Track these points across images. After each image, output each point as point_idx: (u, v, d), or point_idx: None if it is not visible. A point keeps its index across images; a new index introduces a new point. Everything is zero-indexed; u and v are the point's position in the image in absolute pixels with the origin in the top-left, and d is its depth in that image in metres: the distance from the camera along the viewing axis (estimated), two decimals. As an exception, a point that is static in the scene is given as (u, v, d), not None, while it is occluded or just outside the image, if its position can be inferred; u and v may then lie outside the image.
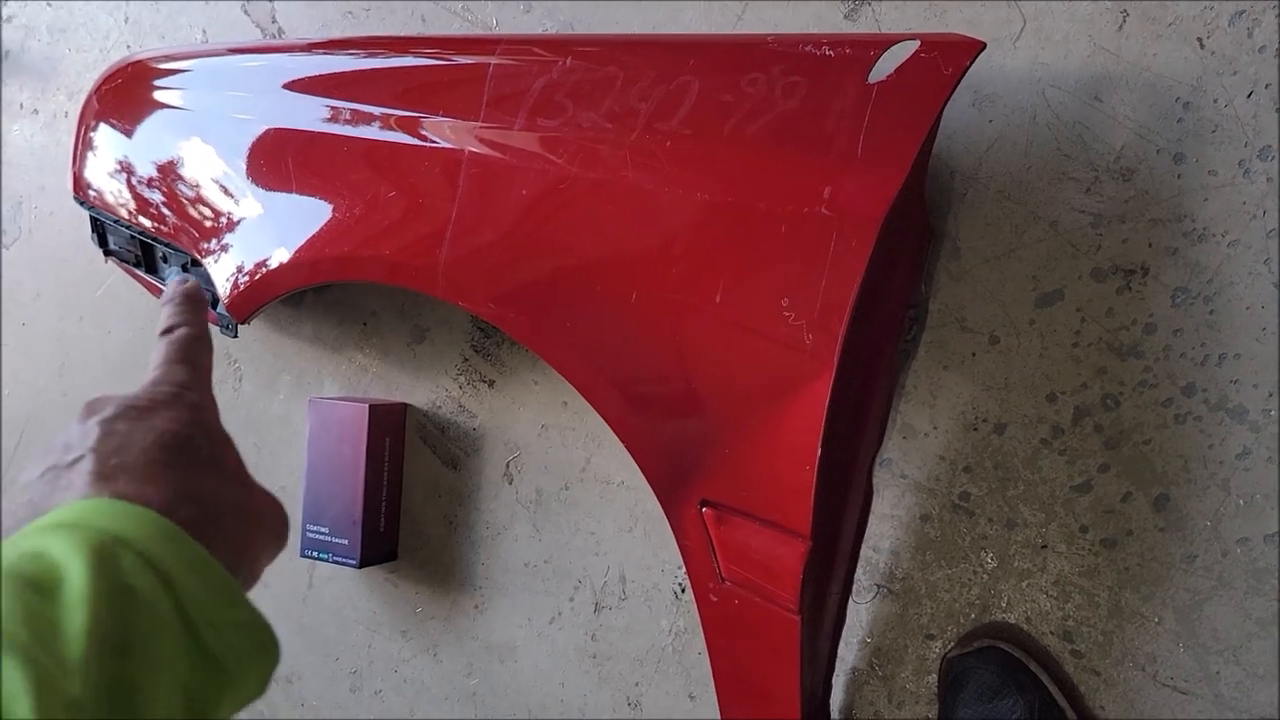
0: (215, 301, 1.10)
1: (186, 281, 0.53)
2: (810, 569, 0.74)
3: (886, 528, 0.83)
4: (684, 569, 0.92)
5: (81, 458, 0.40)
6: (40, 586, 0.32)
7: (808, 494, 0.72)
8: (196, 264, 1.09)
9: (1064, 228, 0.76)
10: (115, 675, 0.32)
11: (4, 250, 1.40)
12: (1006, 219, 0.78)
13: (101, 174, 1.16)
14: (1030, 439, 0.77)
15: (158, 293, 1.17)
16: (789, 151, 0.75)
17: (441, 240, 0.87)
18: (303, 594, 1.14)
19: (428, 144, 0.89)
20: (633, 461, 0.94)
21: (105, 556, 0.34)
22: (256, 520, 0.44)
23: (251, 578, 0.44)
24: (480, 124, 0.87)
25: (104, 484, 0.38)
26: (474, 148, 0.87)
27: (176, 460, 0.41)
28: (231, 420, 1.19)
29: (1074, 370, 0.76)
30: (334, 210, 0.95)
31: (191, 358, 0.48)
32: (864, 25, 0.85)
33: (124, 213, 1.13)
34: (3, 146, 1.41)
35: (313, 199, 0.96)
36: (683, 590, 0.92)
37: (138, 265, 1.17)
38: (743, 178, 0.76)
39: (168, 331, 0.49)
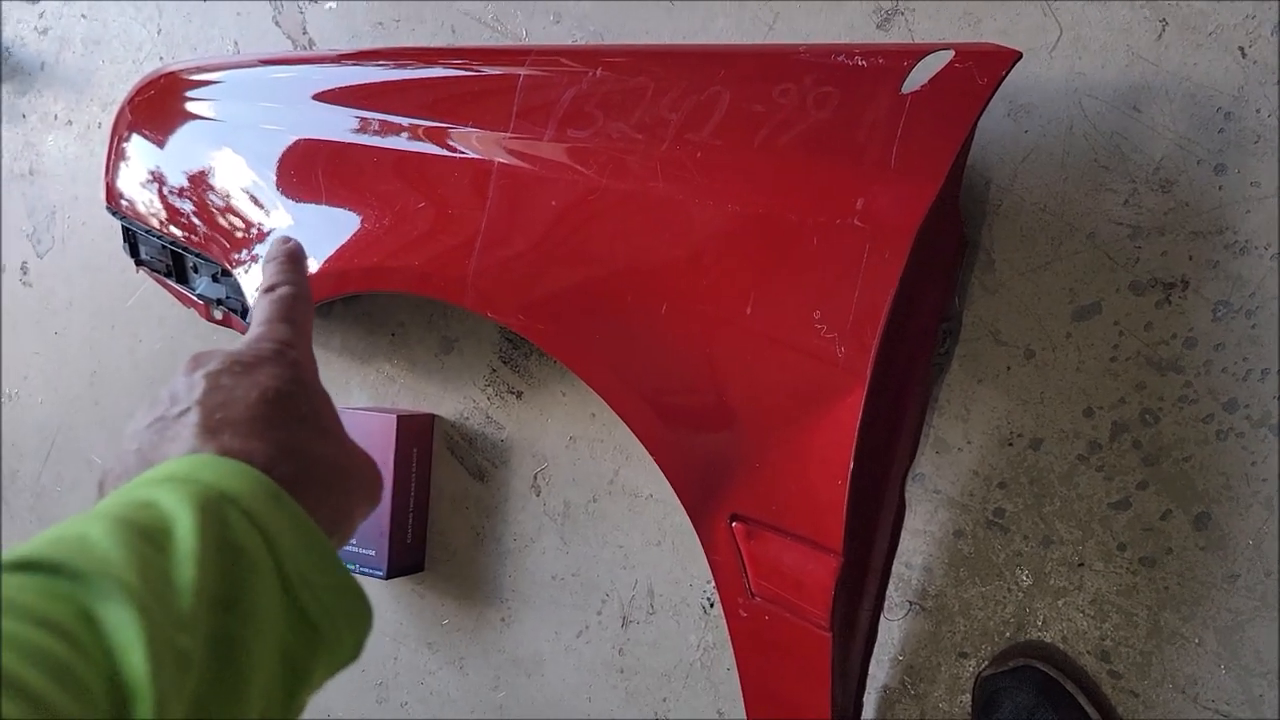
0: (245, 312, 1.10)
1: (288, 240, 0.53)
2: (842, 585, 0.73)
3: (919, 543, 0.82)
4: (713, 583, 0.91)
5: (188, 410, 0.40)
6: (152, 537, 0.33)
7: (840, 509, 0.71)
8: (227, 274, 1.10)
9: (1102, 240, 0.75)
10: (220, 631, 0.32)
11: (39, 259, 1.42)
12: (1043, 231, 0.77)
13: (134, 184, 1.17)
14: (1067, 455, 0.76)
15: (189, 303, 1.17)
16: (821, 162, 0.74)
17: (471, 251, 0.87)
18: (329, 604, 1.14)
19: (457, 155, 0.89)
20: (661, 474, 0.94)
21: (213, 512, 0.34)
22: (353, 479, 0.44)
23: (345, 537, 0.44)
24: (510, 135, 0.87)
25: (210, 437, 0.39)
26: (503, 158, 0.86)
27: (278, 416, 0.41)
28: (260, 429, 1.20)
29: (1112, 385, 0.74)
30: (363, 221, 0.95)
31: (293, 315, 0.48)
32: (896, 34, 0.84)
33: (155, 223, 1.14)
34: (37, 155, 1.43)
35: (342, 209, 0.96)
36: (711, 605, 0.91)
37: (169, 275, 1.18)
38: (774, 189, 0.75)
39: (270, 289, 0.49)
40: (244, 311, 1.10)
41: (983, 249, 0.79)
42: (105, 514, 0.33)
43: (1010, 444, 0.78)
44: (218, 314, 1.15)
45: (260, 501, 0.36)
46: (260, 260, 1.03)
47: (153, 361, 1.30)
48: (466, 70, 0.94)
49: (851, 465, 0.71)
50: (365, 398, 1.12)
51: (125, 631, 0.29)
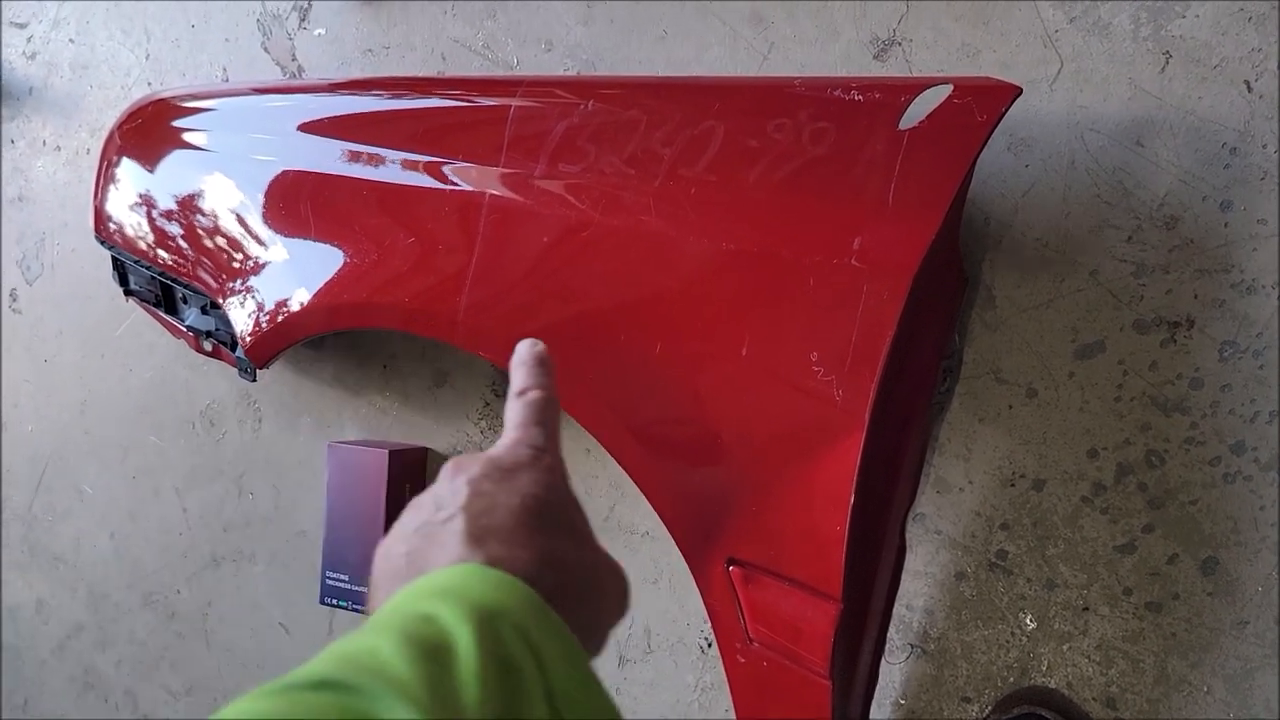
0: (234, 344, 1.09)
1: (537, 345, 0.53)
2: (841, 632, 0.72)
3: (920, 585, 0.80)
4: (709, 622, 0.90)
5: (453, 516, 0.41)
6: (436, 655, 0.34)
7: (839, 554, 0.70)
8: (216, 306, 1.08)
9: (1105, 277, 0.73)
10: None
11: (29, 286, 1.40)
12: (1044, 267, 0.75)
13: (122, 212, 1.16)
14: (1070, 496, 0.74)
15: (178, 334, 1.16)
16: (817, 200, 0.72)
17: (461, 287, 0.85)
18: (324, 640, 1.12)
19: (447, 188, 0.88)
20: (654, 512, 0.92)
21: (489, 628, 0.35)
22: (607, 588, 0.45)
23: (597, 649, 0.44)
24: (501, 168, 0.85)
25: (476, 546, 0.40)
26: (494, 192, 0.85)
27: (538, 525, 0.42)
28: (251, 461, 1.18)
29: (1116, 425, 0.73)
30: (352, 255, 0.94)
31: (546, 419, 0.48)
32: (894, 66, 0.82)
33: (144, 252, 1.13)
34: (26, 181, 1.41)
35: (330, 244, 0.95)
36: (709, 645, 0.90)
37: (158, 305, 1.16)
38: (769, 227, 0.74)
39: (522, 393, 0.49)
40: (233, 344, 1.09)
41: (983, 286, 0.78)
42: (390, 628, 0.35)
43: (1013, 484, 0.76)
44: (207, 346, 1.13)
45: (529, 616, 0.37)
46: (237, 297, 1.02)
47: (143, 390, 1.28)
48: (456, 101, 0.92)
49: (851, 509, 0.69)
50: (357, 430, 1.10)
51: None
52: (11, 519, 1.42)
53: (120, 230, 1.16)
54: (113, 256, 1.19)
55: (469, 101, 0.91)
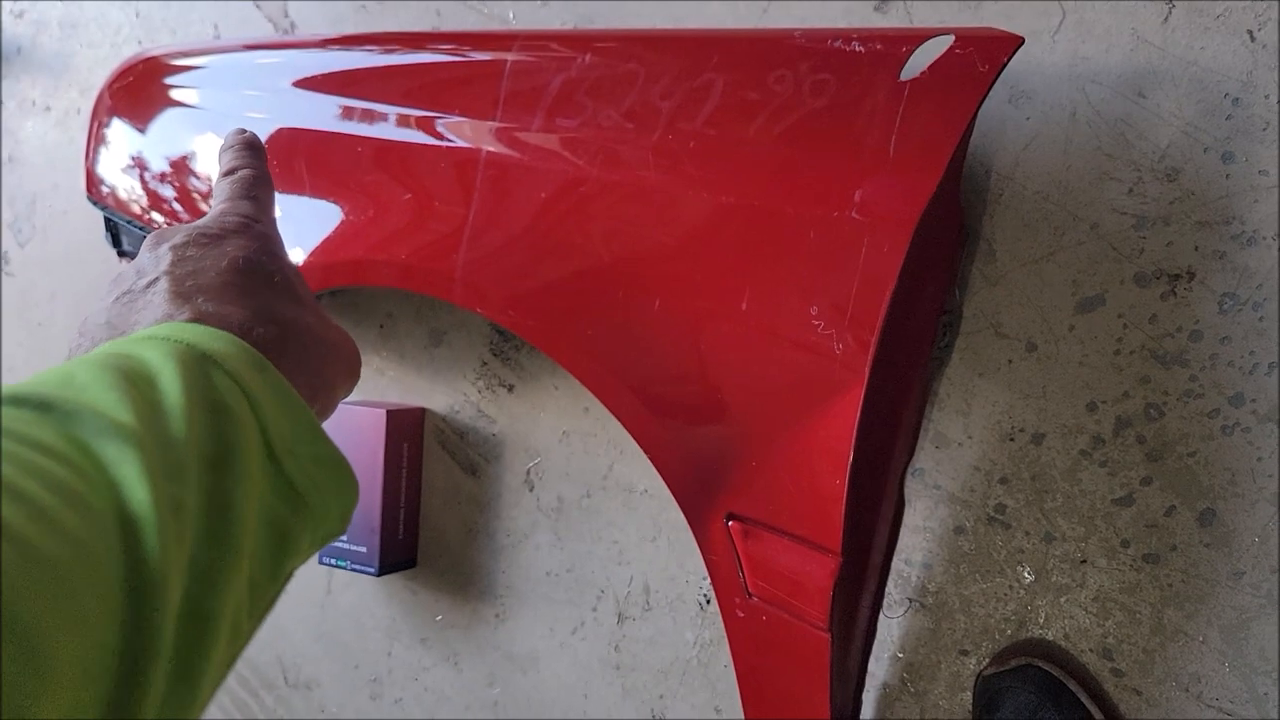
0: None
1: (244, 131, 0.52)
2: (840, 585, 0.72)
3: (919, 540, 0.80)
4: (707, 579, 0.90)
5: (156, 279, 0.39)
6: (139, 385, 0.31)
7: (838, 508, 0.70)
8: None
9: (1105, 230, 0.73)
10: (212, 488, 0.31)
11: (20, 249, 1.39)
12: (1045, 221, 0.75)
13: (115, 173, 1.15)
14: (1069, 450, 0.74)
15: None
16: (817, 152, 0.72)
17: (458, 244, 0.85)
18: (321, 600, 1.12)
19: (443, 144, 0.87)
20: (652, 469, 0.92)
21: (197, 370, 0.33)
22: (332, 349, 0.43)
23: (325, 410, 0.43)
24: (497, 123, 0.84)
25: (183, 303, 0.37)
26: (491, 147, 0.84)
27: (251, 284, 0.40)
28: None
29: (1115, 379, 0.73)
30: (347, 212, 0.93)
31: (256, 194, 0.47)
32: (895, 19, 0.81)
33: (138, 213, 1.12)
34: (16, 142, 1.40)
35: (325, 201, 0.94)
36: (708, 601, 0.90)
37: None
38: (769, 180, 0.73)
39: (230, 172, 0.48)
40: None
41: (984, 239, 0.77)
42: (85, 361, 0.31)
43: (1012, 439, 0.76)
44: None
45: (243, 365, 0.35)
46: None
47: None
48: (451, 55, 0.91)
49: (850, 463, 0.69)
50: (354, 391, 1.09)
51: (127, 467, 0.27)
52: (7, 483, 1.42)
53: (113, 191, 1.15)
54: (105, 218, 1.18)
55: (464, 56, 0.90)
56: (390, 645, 1.08)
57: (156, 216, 1.10)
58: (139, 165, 1.13)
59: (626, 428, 0.80)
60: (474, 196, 0.85)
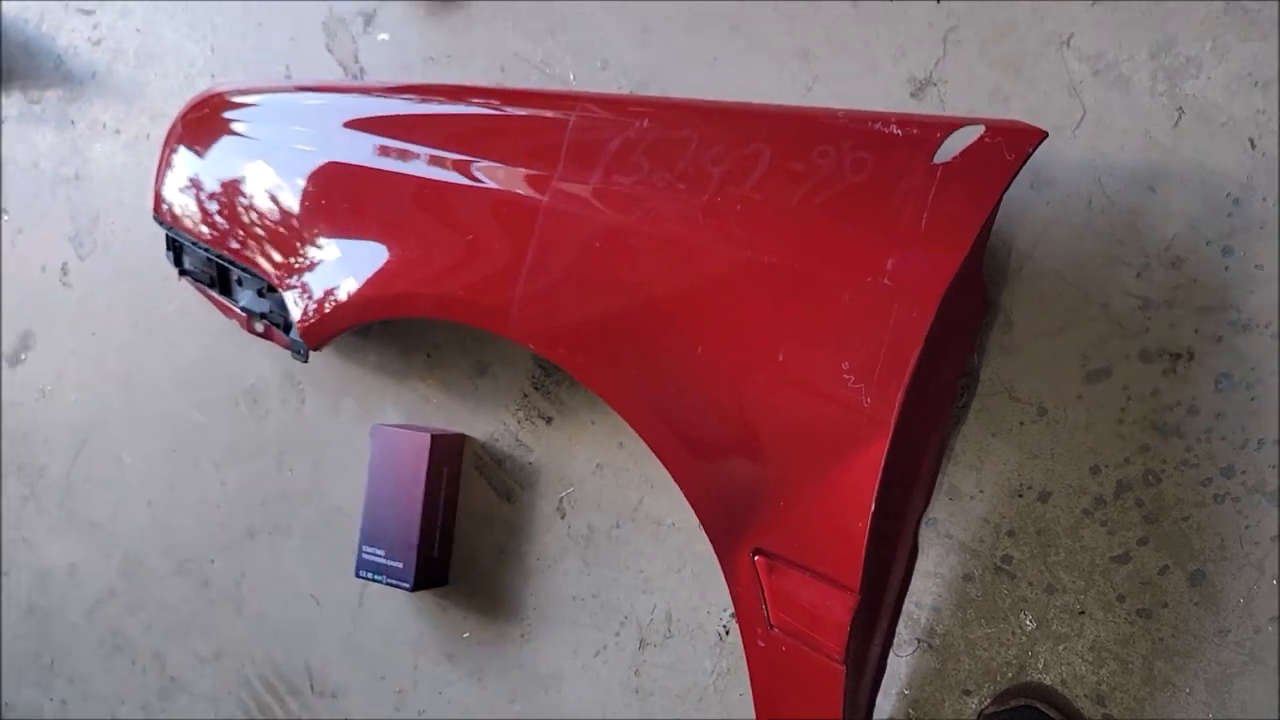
0: (288, 327, 1.15)
1: None
2: (857, 622, 0.78)
3: (929, 585, 0.87)
4: (730, 612, 0.96)
5: None
6: None
7: (859, 549, 0.76)
8: (272, 290, 1.14)
9: (1114, 309, 0.80)
10: None
11: (80, 261, 1.46)
12: (1059, 297, 0.82)
13: (182, 197, 1.22)
14: (1073, 508, 0.81)
15: (230, 314, 1.22)
16: (855, 223, 0.79)
17: (515, 283, 0.92)
18: (353, 612, 1.18)
19: (506, 191, 0.94)
20: (685, 504, 0.99)
21: None
22: None
23: None
24: (558, 176, 0.91)
25: None
26: (551, 197, 0.91)
27: None
28: (292, 440, 1.24)
29: (1118, 445, 0.79)
30: (410, 248, 1.00)
31: None
32: (929, 104, 0.89)
33: (202, 235, 1.19)
34: (84, 161, 1.48)
35: (389, 236, 1.01)
36: (727, 632, 0.96)
37: (212, 286, 1.22)
38: (810, 244, 0.80)
39: None
40: (286, 326, 1.15)
41: (1002, 311, 0.84)
42: None
43: (1020, 495, 0.83)
44: (259, 327, 1.19)
45: None
46: (294, 282, 1.08)
47: (189, 367, 1.34)
48: (518, 110, 0.99)
49: (873, 509, 0.75)
50: (399, 415, 1.16)
51: None
52: (50, 485, 1.47)
53: (179, 213, 1.22)
54: (169, 237, 1.25)
55: (530, 111, 0.97)
56: (417, 659, 1.14)
57: (222, 239, 1.17)
58: (208, 191, 1.20)
59: (664, 463, 0.86)
60: (531, 240, 0.92)
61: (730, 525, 0.85)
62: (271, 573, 1.25)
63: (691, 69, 1.01)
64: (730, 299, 0.84)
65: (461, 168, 0.98)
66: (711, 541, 0.85)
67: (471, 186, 0.96)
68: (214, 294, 1.23)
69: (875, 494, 0.75)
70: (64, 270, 1.48)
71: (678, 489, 0.99)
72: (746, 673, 0.96)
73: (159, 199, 1.25)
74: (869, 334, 0.77)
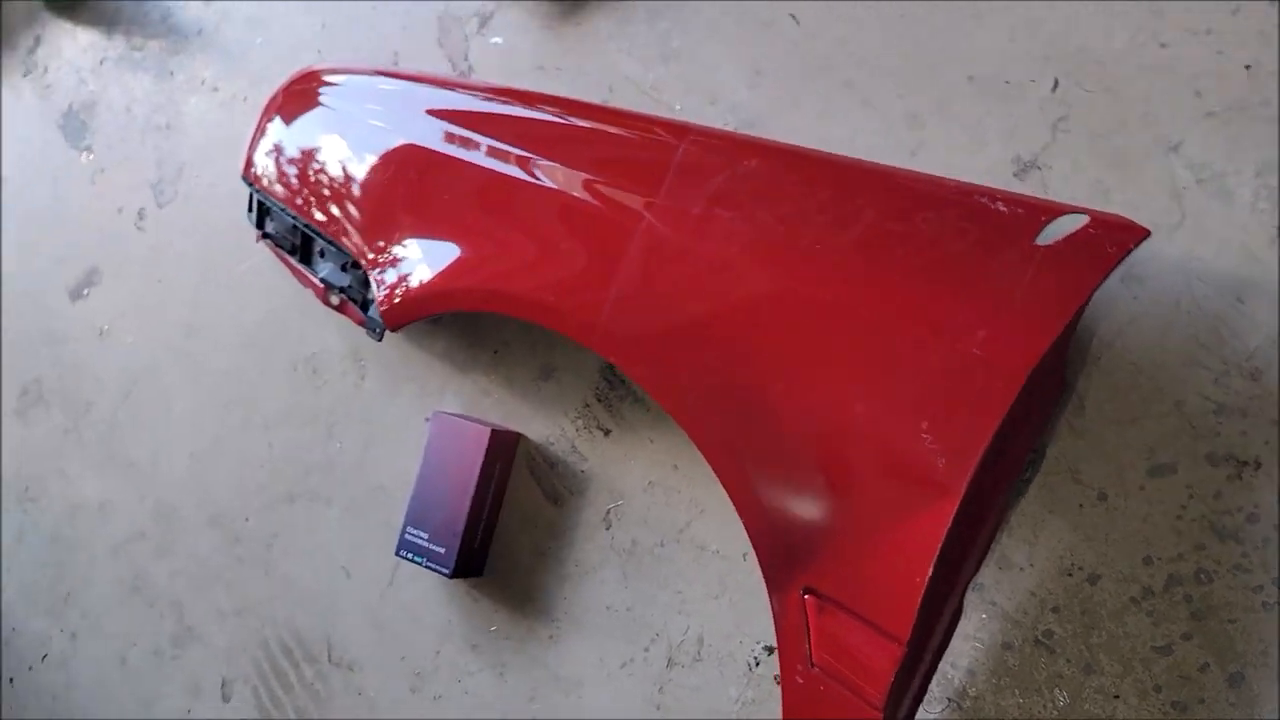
0: (366, 305, 1.18)
1: None
2: (900, 673, 0.80)
3: (967, 647, 0.89)
4: (763, 645, 0.98)
5: None
6: None
7: (913, 604, 0.78)
8: (356, 266, 1.17)
9: (1188, 410, 0.83)
10: None
11: (159, 209, 1.49)
12: (1135, 389, 0.85)
13: (275, 163, 1.25)
14: (1121, 594, 0.83)
15: (307, 283, 1.25)
16: (951, 289, 0.81)
17: (605, 297, 0.94)
18: (382, 589, 1.20)
19: (605, 205, 0.97)
20: (731, 532, 1.01)
21: None
22: None
23: None
24: (660, 199, 0.94)
25: None
26: (651, 218, 0.94)
27: None
28: (346, 413, 1.26)
29: (1174, 540, 0.82)
30: (503, 247, 1.03)
31: None
32: (1031, 186, 0.92)
33: (292, 203, 1.22)
34: (177, 112, 1.51)
35: (484, 233, 1.04)
36: (757, 663, 0.98)
37: (293, 254, 1.25)
38: (904, 303, 0.83)
39: None
40: (364, 304, 1.18)
41: (1077, 394, 0.87)
42: None
43: (1070, 574, 0.85)
44: (335, 300, 1.22)
45: None
46: (382, 261, 1.11)
47: (253, 327, 1.37)
48: (626, 131, 1.01)
49: (933, 565, 0.77)
50: (458, 405, 1.19)
51: None
52: (94, 422, 1.50)
53: (270, 178, 1.25)
54: (257, 199, 1.28)
55: (638, 133, 1.00)
56: (441, 644, 1.16)
57: (312, 209, 1.20)
58: (296, 161, 1.23)
59: (728, 491, 0.89)
60: (626, 257, 0.95)
61: (785, 561, 0.87)
62: (305, 539, 1.27)
63: (799, 117, 1.04)
64: (818, 343, 0.86)
65: (563, 177, 1.01)
66: (764, 573, 0.87)
67: (572, 196, 0.99)
68: (293, 261, 1.26)
69: (937, 553, 0.77)
70: (140, 215, 1.51)
71: (727, 517, 1.02)
72: (771, 707, 0.98)
73: (251, 161, 1.28)
74: (952, 398, 0.79)
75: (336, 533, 1.25)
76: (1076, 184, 0.90)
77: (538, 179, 1.02)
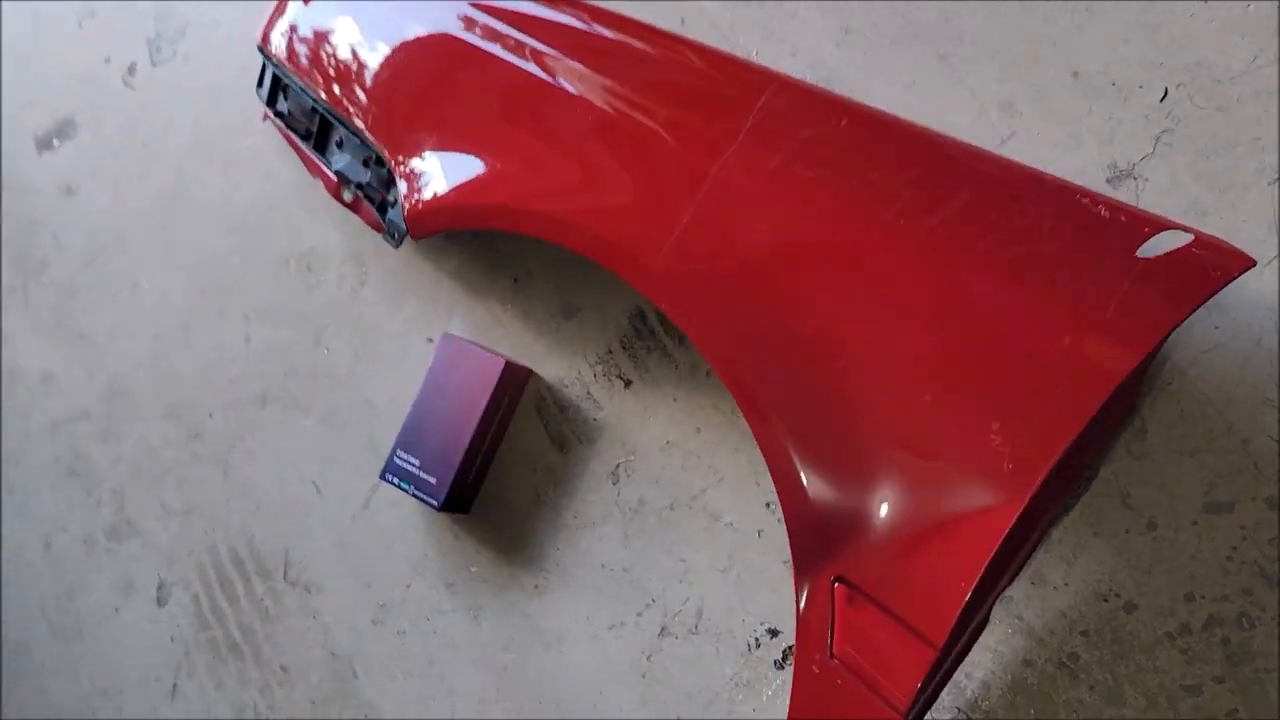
0: (384, 206, 1.09)
1: None
2: (929, 677, 0.76)
3: (985, 659, 0.86)
4: (767, 626, 0.94)
5: None
6: None
7: (955, 607, 0.74)
8: (379, 162, 1.08)
9: (1254, 449, 0.80)
10: None
11: (152, 66, 1.37)
12: (1201, 421, 0.82)
13: (302, 37, 1.14)
14: (1156, 627, 0.81)
15: (316, 171, 1.15)
16: (1041, 288, 0.77)
17: (666, 240, 0.88)
18: (355, 511, 1.12)
19: (677, 143, 0.90)
20: (749, 507, 0.96)
21: None
22: None
23: None
24: (738, 147, 0.88)
25: None
26: (723, 166, 0.88)
27: None
28: (339, 319, 1.17)
29: (1221, 580, 0.80)
30: (559, 168, 0.95)
31: None
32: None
33: (315, 83, 1.12)
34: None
35: (540, 149, 0.96)
36: (757, 645, 0.94)
37: (306, 138, 1.15)
38: (989, 294, 0.78)
39: None
40: (382, 205, 1.09)
41: (1140, 417, 0.84)
42: None
43: (1106, 600, 0.83)
44: (348, 195, 1.13)
45: None
46: (414, 162, 1.02)
47: (244, 210, 1.26)
48: (707, 68, 0.94)
49: (984, 570, 0.74)
50: (464, 330, 1.11)
51: None
52: (48, 284, 1.38)
53: (293, 53, 1.15)
54: (272, 73, 1.17)
55: (720, 73, 0.93)
56: (412, 578, 1.09)
57: (338, 93, 1.10)
58: (328, 39, 1.13)
59: (768, 462, 0.84)
60: (694, 202, 0.88)
61: (818, 543, 0.83)
62: (275, 446, 1.18)
63: (884, 84, 0.98)
64: (890, 322, 0.82)
65: (631, 103, 0.93)
66: (792, 553, 0.83)
67: (639, 126, 0.92)
68: (305, 147, 1.16)
69: (989, 560, 0.73)
70: (131, 70, 1.39)
71: (745, 490, 0.97)
72: (765, 692, 0.94)
73: (270, 30, 1.17)
74: (1029, 402, 0.75)
75: (311, 444, 1.17)
76: (1172, 200, 0.86)
77: (602, 101, 0.95)
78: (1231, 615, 0.79)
